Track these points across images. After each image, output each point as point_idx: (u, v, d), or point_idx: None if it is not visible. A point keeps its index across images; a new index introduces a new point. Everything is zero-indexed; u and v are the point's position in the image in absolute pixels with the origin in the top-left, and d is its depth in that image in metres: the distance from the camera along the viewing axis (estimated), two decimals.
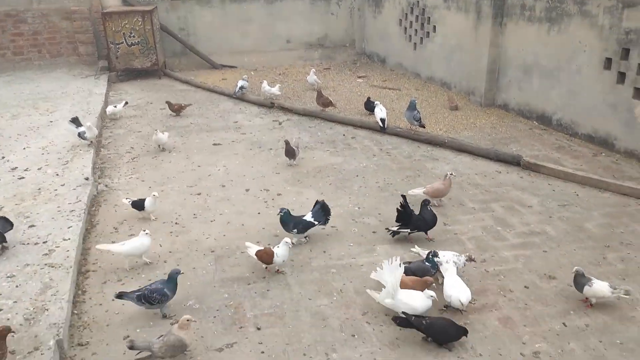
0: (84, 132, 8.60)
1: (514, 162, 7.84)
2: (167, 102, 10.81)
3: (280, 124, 10.23)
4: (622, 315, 4.63)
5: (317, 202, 6.15)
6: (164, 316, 4.78)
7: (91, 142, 8.72)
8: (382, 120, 9.33)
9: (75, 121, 8.78)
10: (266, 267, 5.43)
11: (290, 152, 8.04)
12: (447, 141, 8.67)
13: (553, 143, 8.68)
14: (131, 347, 4.15)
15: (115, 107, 10.60)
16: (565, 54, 8.87)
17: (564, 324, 4.53)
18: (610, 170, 7.52)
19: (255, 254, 5.33)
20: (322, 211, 6.05)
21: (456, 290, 4.60)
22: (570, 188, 7.10)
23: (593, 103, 8.42)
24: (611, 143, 8.18)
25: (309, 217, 5.94)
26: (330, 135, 9.45)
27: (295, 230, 5.82)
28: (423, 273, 4.95)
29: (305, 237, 5.99)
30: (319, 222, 5.97)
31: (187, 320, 4.18)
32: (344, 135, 9.48)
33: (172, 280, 4.76)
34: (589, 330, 4.48)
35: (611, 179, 7.07)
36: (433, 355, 4.25)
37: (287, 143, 8.08)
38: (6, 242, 5.66)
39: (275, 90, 11.35)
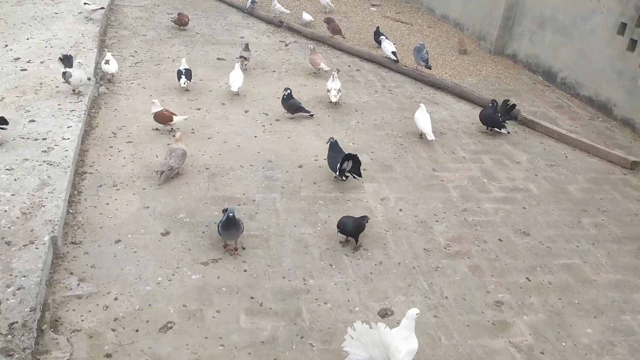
0: (69, 74, 6.77)
1: (512, 116, 7.91)
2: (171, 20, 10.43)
3: (286, 45, 10.14)
4: (585, 278, 4.92)
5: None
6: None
7: (75, 90, 6.96)
8: (394, 53, 9.29)
9: (65, 60, 6.95)
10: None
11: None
12: (450, 86, 8.69)
13: (554, 101, 8.73)
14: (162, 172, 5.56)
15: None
16: (583, 12, 8.71)
17: (527, 278, 4.83)
18: (603, 136, 7.64)
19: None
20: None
21: None
22: (561, 149, 7.24)
23: (600, 66, 8.39)
24: (610, 109, 8.24)
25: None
26: (336, 65, 9.39)
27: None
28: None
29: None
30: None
31: (179, 135, 5.84)
32: (349, 66, 9.44)
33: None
34: (551, 287, 4.77)
35: (602, 145, 7.21)
36: (402, 293, 4.55)
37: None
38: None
39: (286, 9, 11.14)
